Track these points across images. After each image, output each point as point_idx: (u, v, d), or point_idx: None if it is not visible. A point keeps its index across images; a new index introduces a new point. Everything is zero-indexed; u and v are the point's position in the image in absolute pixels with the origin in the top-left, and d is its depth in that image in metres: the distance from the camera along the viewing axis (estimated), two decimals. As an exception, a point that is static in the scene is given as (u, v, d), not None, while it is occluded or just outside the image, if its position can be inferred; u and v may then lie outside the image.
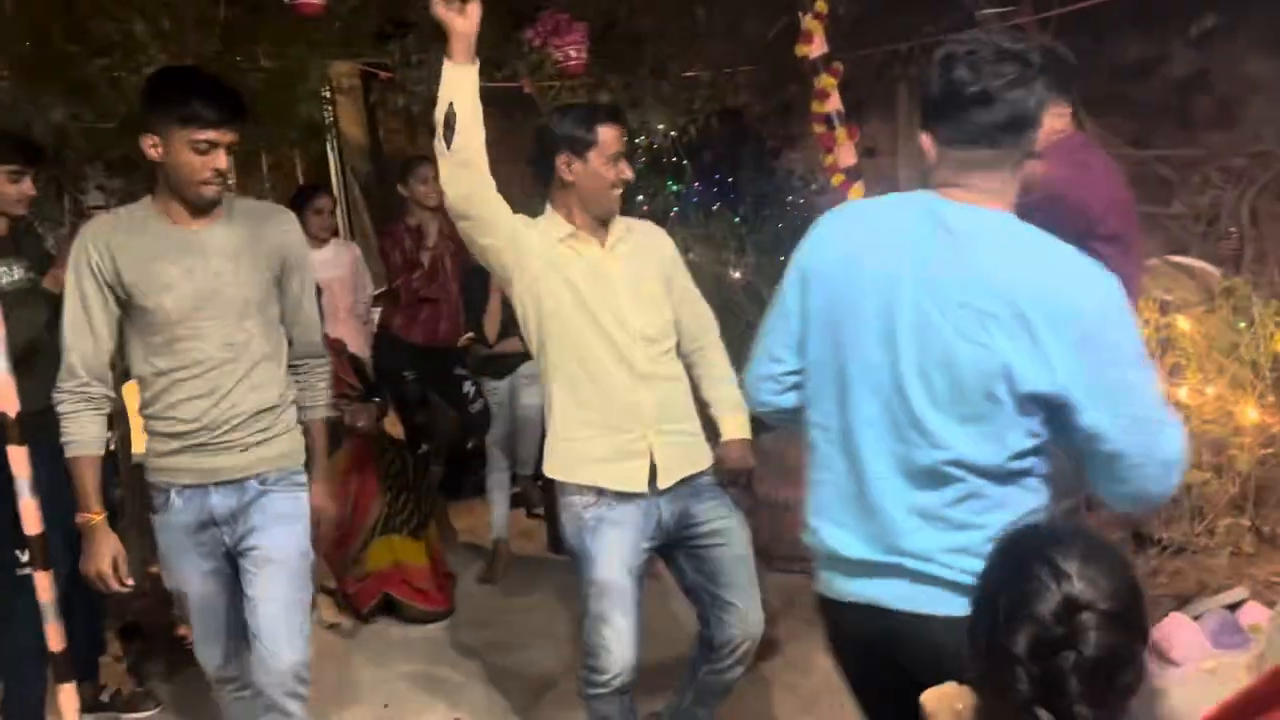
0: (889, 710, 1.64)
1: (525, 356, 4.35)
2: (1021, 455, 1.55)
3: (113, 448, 3.75)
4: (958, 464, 1.56)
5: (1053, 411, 1.52)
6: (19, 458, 2.42)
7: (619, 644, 2.40)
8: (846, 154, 3.42)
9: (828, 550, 1.71)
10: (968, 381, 1.52)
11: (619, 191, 2.48)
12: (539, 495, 4.57)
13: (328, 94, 5.19)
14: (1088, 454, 1.55)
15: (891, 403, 1.59)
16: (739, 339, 4.55)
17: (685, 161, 5.21)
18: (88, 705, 3.00)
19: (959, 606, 1.42)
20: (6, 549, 2.77)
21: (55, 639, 2.50)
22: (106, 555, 2.27)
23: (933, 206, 1.61)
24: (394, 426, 4.48)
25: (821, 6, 3.26)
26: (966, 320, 1.52)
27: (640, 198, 5.57)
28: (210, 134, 2.19)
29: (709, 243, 5.21)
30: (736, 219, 5.04)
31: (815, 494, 1.74)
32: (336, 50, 4.20)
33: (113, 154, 3.64)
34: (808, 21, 3.29)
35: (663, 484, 2.43)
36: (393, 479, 3.94)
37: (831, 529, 1.70)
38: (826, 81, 3.34)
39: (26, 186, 2.86)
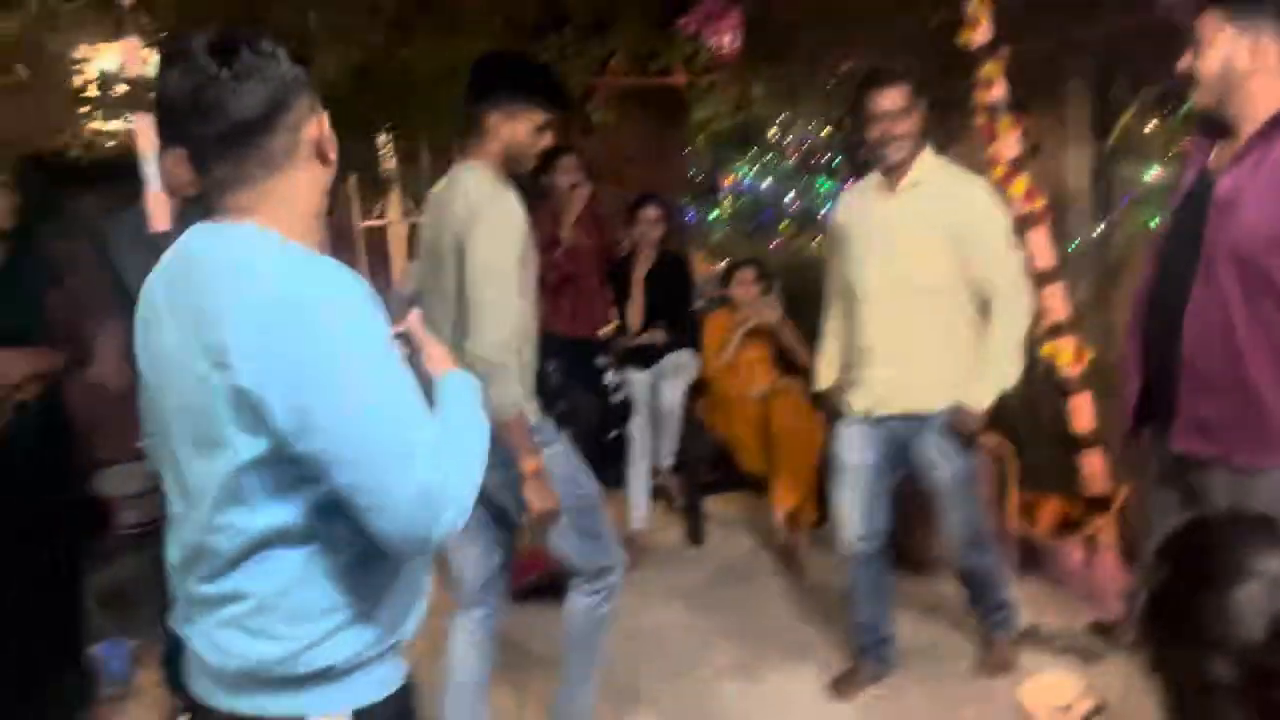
0: None
1: (668, 348, 4.40)
2: None
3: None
4: None
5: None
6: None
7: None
8: (1009, 145, 3.29)
9: None
10: None
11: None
12: (680, 488, 4.57)
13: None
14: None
15: None
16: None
17: (839, 158, 5.11)
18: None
19: None
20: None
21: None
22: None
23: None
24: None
25: (989, -9, 3.15)
26: None
27: (790, 195, 5.51)
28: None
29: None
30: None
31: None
32: (496, 42, 4.30)
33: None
34: (973, 6, 3.17)
35: None
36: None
37: None
38: (991, 69, 3.22)
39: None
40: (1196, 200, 2.07)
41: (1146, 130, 3.56)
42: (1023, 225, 3.19)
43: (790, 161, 5.66)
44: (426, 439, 1.22)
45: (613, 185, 4.65)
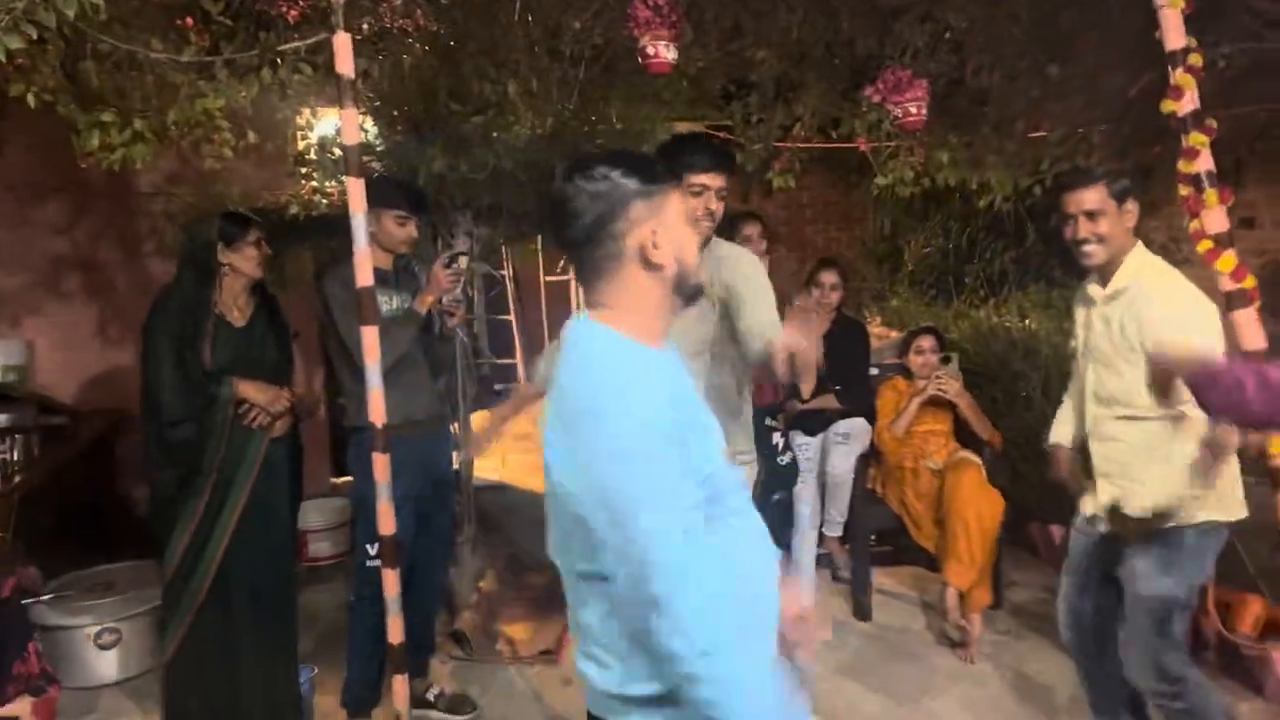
0: None
1: (841, 414, 4.34)
2: None
3: (456, 468, 4.14)
4: None
5: None
6: (381, 465, 2.72)
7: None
8: (1215, 220, 3.10)
9: None
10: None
11: None
12: (845, 560, 4.47)
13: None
14: None
15: None
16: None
17: (1027, 226, 4.96)
18: (415, 700, 3.28)
19: None
20: (362, 547, 3.13)
21: (395, 632, 2.77)
22: None
23: None
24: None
25: (1196, 60, 3.00)
26: None
27: (975, 263, 5.38)
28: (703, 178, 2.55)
29: (1047, 311, 4.91)
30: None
31: None
32: (681, 109, 4.42)
33: (480, 203, 4.06)
34: (1178, 76, 3.03)
35: None
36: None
37: None
38: (1197, 139, 3.06)
39: (411, 230, 3.27)
40: None
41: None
42: (1230, 304, 3.00)
43: (976, 227, 5.53)
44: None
45: (794, 249, 4.67)
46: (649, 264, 1.48)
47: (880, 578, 4.42)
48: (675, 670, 1.33)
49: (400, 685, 2.81)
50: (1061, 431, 2.93)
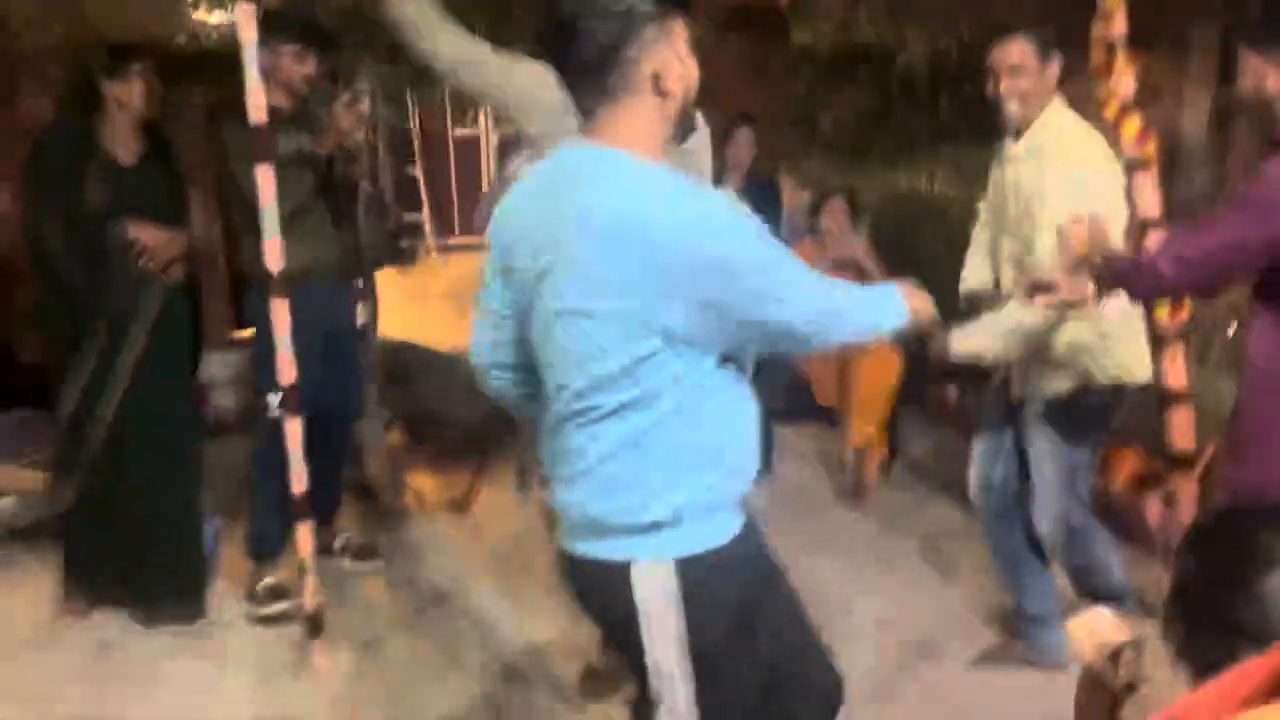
0: None
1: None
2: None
3: (363, 322, 4.06)
4: None
5: None
6: (280, 311, 2.65)
7: None
8: (1126, 84, 3.13)
9: None
10: None
11: None
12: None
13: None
14: None
15: None
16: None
17: (942, 88, 4.95)
18: (322, 548, 3.30)
19: None
20: (264, 397, 3.07)
21: (298, 481, 2.75)
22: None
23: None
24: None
25: (1117, -82, 2.97)
26: None
27: (888, 126, 5.37)
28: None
29: (959, 175, 4.96)
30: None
31: None
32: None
33: (384, 42, 3.85)
34: (1099, -65, 3.00)
35: None
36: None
37: None
38: (1112, 2, 3.06)
39: (310, 66, 3.11)
40: None
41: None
42: (1131, 169, 3.06)
43: (889, 92, 5.49)
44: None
45: (710, 109, 4.57)
46: (660, 91, 1.45)
47: (783, 433, 4.54)
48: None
49: (304, 533, 2.81)
50: (975, 278, 2.87)
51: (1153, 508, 3.42)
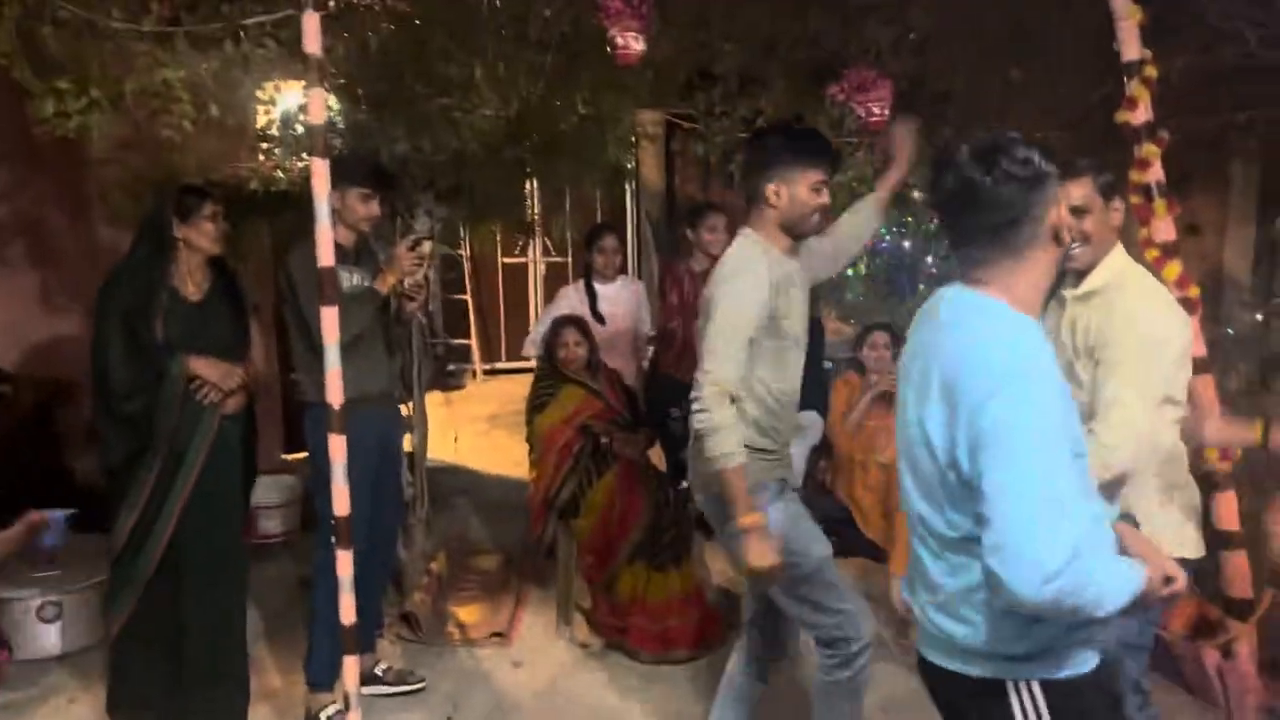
0: None
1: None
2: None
3: (409, 449, 4.13)
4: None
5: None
6: (338, 445, 2.71)
7: None
8: (1164, 228, 3.19)
9: None
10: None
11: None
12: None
13: (632, 139, 5.49)
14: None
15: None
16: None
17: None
18: (365, 677, 3.29)
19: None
20: (324, 527, 3.11)
21: (347, 612, 2.76)
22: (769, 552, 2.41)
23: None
24: (658, 459, 4.61)
25: (1151, 71, 3.08)
26: None
27: (930, 259, 5.46)
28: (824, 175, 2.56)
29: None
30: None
31: None
32: (646, 99, 4.42)
33: (442, 184, 4.04)
34: (1134, 87, 3.11)
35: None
36: (655, 509, 4.03)
37: None
38: (1149, 150, 3.14)
39: (374, 207, 3.27)
40: None
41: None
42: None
43: (932, 224, 5.60)
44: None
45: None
46: (1059, 242, 1.63)
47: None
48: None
49: (350, 665, 2.81)
50: None
51: (1210, 656, 3.31)
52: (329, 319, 2.69)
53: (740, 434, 2.48)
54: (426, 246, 3.18)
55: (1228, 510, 3.17)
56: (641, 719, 3.41)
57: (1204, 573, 3.29)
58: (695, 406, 2.49)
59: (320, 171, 2.63)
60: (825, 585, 2.60)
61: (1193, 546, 2.49)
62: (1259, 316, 3.55)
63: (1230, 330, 4.00)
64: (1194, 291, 3.17)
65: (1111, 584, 1.53)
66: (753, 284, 2.49)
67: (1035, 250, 1.62)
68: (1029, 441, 1.49)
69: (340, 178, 3.01)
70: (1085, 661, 1.68)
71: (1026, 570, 1.45)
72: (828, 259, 2.85)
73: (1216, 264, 4.38)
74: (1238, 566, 3.18)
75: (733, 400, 2.48)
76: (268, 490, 4.84)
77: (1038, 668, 1.64)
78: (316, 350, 2.82)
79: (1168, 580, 1.66)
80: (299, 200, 3.05)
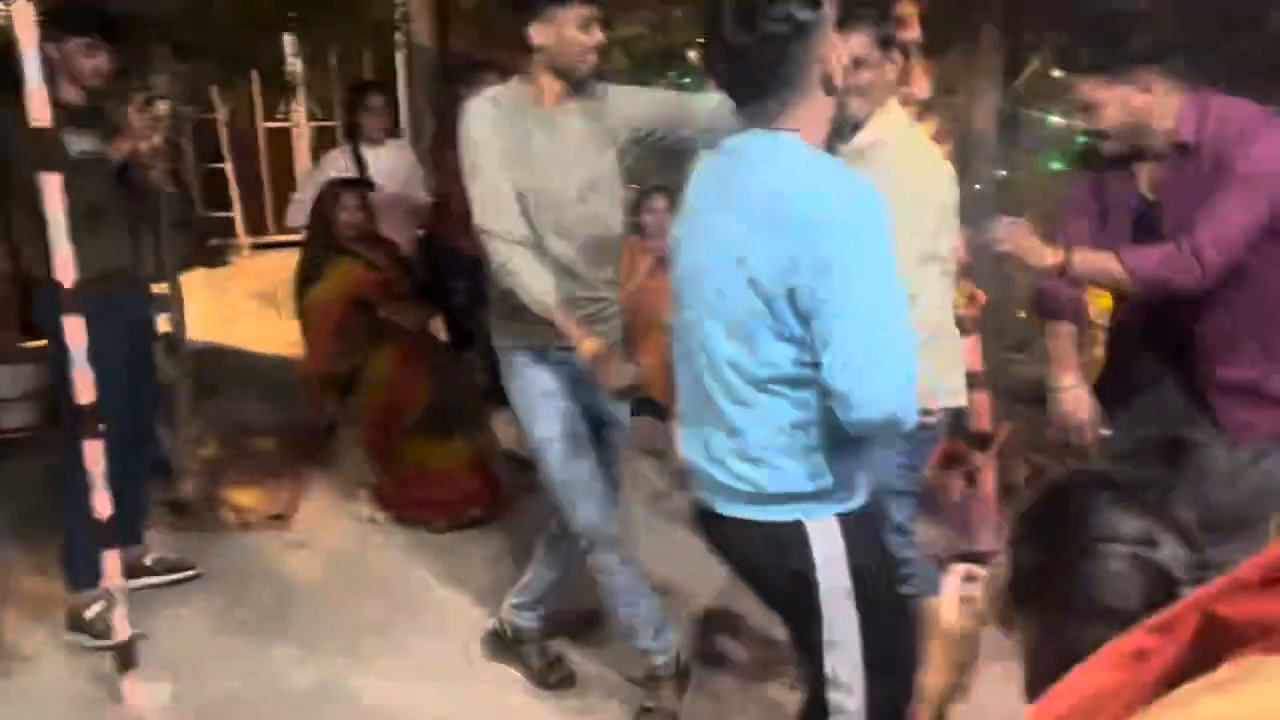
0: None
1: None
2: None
3: (169, 329, 3.85)
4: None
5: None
6: (74, 327, 2.48)
7: None
8: (921, 86, 3.32)
9: None
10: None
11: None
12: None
13: (399, -8, 5.15)
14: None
15: None
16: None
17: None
18: (132, 569, 3.11)
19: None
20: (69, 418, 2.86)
21: (103, 504, 2.59)
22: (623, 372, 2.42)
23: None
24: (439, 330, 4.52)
25: (910, -68, 3.14)
26: None
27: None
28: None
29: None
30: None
31: None
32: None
33: (183, 36, 3.66)
34: (894, -54, 3.16)
35: None
36: (436, 380, 3.96)
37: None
38: (907, 9, 3.23)
39: (101, 61, 2.93)
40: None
41: (1053, 76, 3.64)
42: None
43: (710, 88, 5.62)
44: None
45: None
46: (830, 88, 1.64)
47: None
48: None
49: (112, 560, 2.65)
50: None
51: (955, 485, 3.65)
52: (51, 187, 2.41)
53: (546, 277, 2.45)
54: (162, 106, 2.88)
55: (971, 353, 3.44)
56: (432, 587, 3.42)
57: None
58: (492, 266, 2.46)
59: (24, 18, 2.30)
60: (545, 465, 2.62)
61: (957, 396, 2.59)
62: (1002, 173, 3.79)
63: (979, 186, 4.26)
64: (946, 147, 3.34)
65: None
66: (480, 144, 2.48)
67: (808, 99, 1.63)
68: (873, 262, 1.55)
69: (59, 25, 2.70)
70: (864, 493, 1.79)
71: (878, 382, 1.55)
72: (661, 116, 2.68)
73: (967, 124, 4.62)
74: (980, 403, 3.48)
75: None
76: (7, 381, 4.42)
77: (832, 502, 1.73)
78: (41, 222, 2.53)
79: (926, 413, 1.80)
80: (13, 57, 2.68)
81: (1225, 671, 0.58)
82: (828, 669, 1.76)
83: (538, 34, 2.43)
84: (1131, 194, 2.25)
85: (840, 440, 1.68)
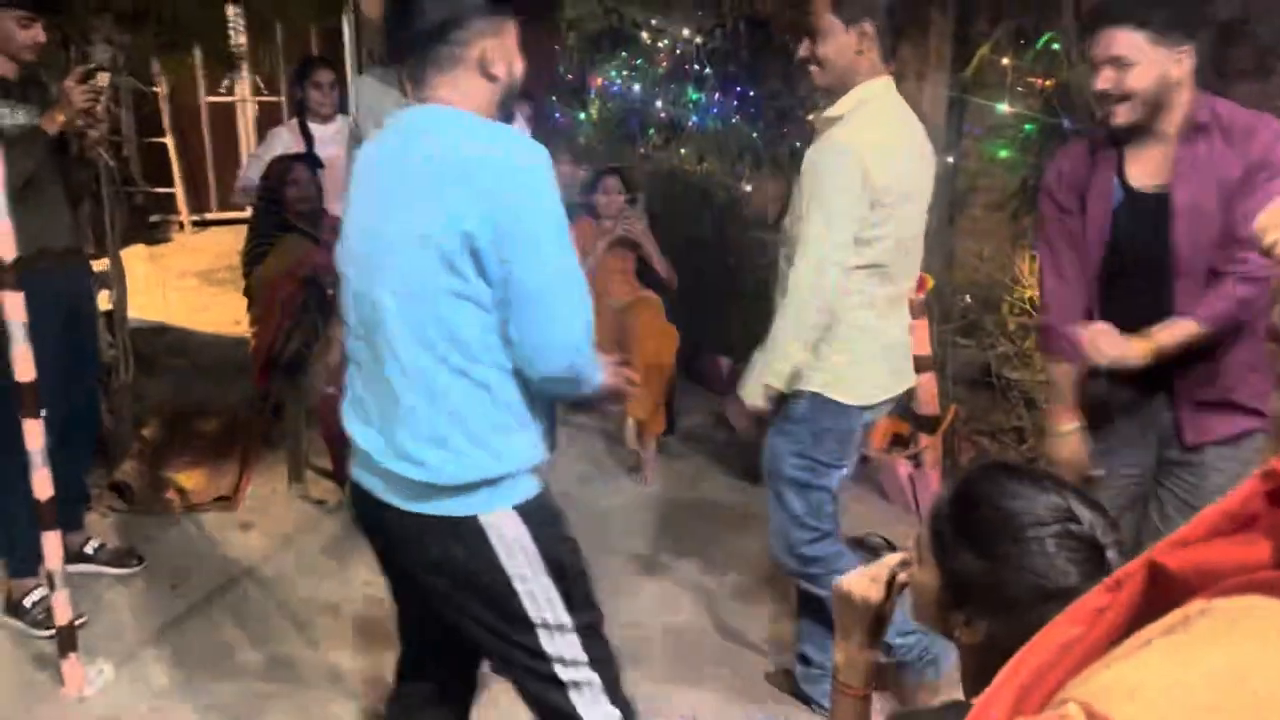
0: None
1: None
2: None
3: (109, 307, 3.76)
4: None
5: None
6: (13, 303, 2.41)
7: None
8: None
9: None
10: None
11: None
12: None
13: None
14: None
15: None
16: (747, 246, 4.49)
17: (708, 70, 5.10)
18: (73, 555, 3.05)
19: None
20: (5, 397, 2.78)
21: (42, 486, 2.53)
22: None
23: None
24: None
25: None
26: None
27: (659, 104, 5.48)
28: None
29: (722, 154, 5.14)
30: (754, 134, 4.95)
31: None
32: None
33: (123, 6, 3.56)
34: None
35: None
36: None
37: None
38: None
39: (36, 33, 2.83)
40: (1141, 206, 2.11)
41: (1003, 63, 3.69)
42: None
43: (661, 69, 5.61)
44: None
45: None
46: (486, 74, 1.67)
47: (563, 410, 4.58)
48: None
49: (52, 542, 2.59)
50: None
51: (902, 466, 3.71)
52: (-13, 160, 2.34)
53: None
54: (102, 78, 2.80)
55: (920, 336, 3.50)
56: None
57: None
58: None
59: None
60: None
61: (886, 386, 2.46)
62: (949, 159, 3.83)
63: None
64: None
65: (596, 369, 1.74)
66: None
67: (469, 82, 1.66)
68: (551, 227, 1.60)
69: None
70: (538, 480, 1.77)
71: (562, 338, 1.61)
72: None
73: (916, 110, 4.67)
74: (927, 387, 3.54)
75: None
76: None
77: (509, 492, 1.69)
78: (-23, 196, 2.45)
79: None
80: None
81: (1173, 616, 0.63)
82: (551, 652, 1.73)
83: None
84: (1111, 181, 2.16)
85: (516, 423, 1.69)
